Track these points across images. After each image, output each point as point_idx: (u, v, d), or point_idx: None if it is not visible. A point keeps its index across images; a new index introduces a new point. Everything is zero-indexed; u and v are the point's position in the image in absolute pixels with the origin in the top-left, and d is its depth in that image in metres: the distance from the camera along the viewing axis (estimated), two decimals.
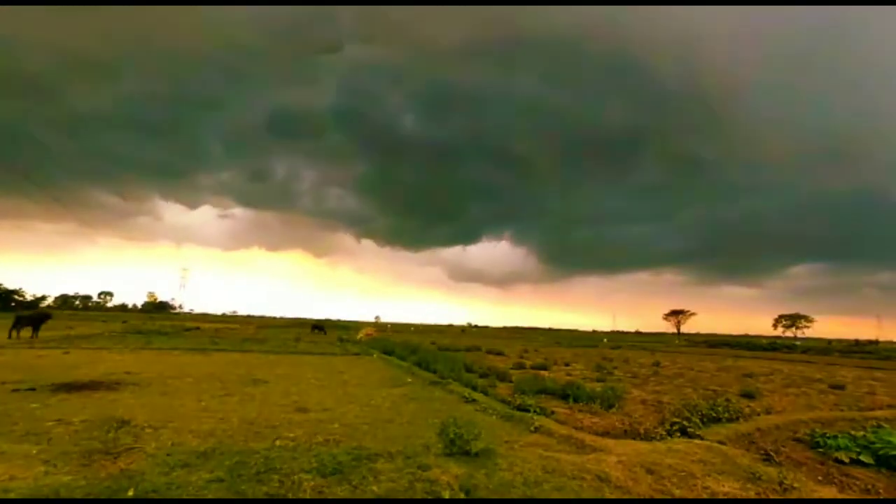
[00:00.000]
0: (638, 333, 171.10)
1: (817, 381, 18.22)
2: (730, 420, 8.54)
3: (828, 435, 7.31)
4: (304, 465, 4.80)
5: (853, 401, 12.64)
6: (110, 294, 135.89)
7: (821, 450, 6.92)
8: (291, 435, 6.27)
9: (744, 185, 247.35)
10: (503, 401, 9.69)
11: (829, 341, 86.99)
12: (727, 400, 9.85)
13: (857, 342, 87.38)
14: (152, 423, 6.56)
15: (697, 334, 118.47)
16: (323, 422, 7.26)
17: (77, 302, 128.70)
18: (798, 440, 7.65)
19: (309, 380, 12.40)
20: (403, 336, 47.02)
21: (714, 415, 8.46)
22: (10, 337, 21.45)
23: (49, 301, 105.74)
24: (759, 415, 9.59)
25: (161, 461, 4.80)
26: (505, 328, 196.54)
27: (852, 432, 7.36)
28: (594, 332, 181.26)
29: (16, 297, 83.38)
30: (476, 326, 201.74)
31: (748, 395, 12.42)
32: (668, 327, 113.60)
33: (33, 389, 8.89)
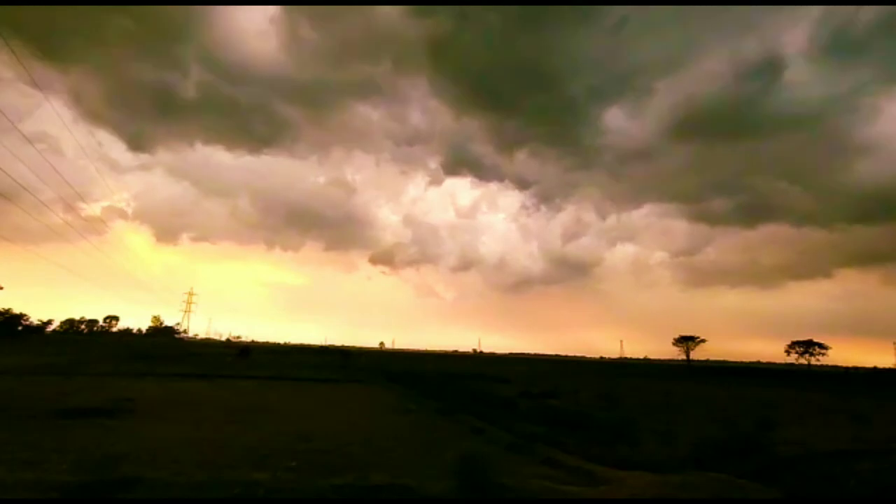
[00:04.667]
0: (647, 360, 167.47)
1: (837, 411, 17.56)
2: (747, 452, 8.21)
3: (854, 470, 6.98)
4: (307, 497, 4.65)
5: (877, 433, 12.13)
6: (116, 318, 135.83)
7: (846, 485, 6.59)
8: (294, 464, 6.11)
9: None
10: (510, 430, 9.42)
11: (847, 369, 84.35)
12: (744, 431, 9.50)
13: (875, 369, 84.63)
14: (152, 452, 6.43)
15: (707, 361, 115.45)
16: (326, 451, 7.07)
17: (83, 326, 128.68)
18: (821, 475, 7.30)
19: (313, 407, 12.17)
20: (409, 362, 46.34)
21: (730, 446, 8.15)
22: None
23: (55, 325, 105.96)
24: (778, 446, 9.21)
25: (159, 493, 4.68)
26: (512, 354, 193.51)
27: (876, 467, 7.03)
28: (602, 358, 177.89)
29: (22, 321, 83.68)
30: (483, 352, 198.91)
31: (766, 426, 11.97)
32: (678, 353, 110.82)
33: (34, 417, 8.80)
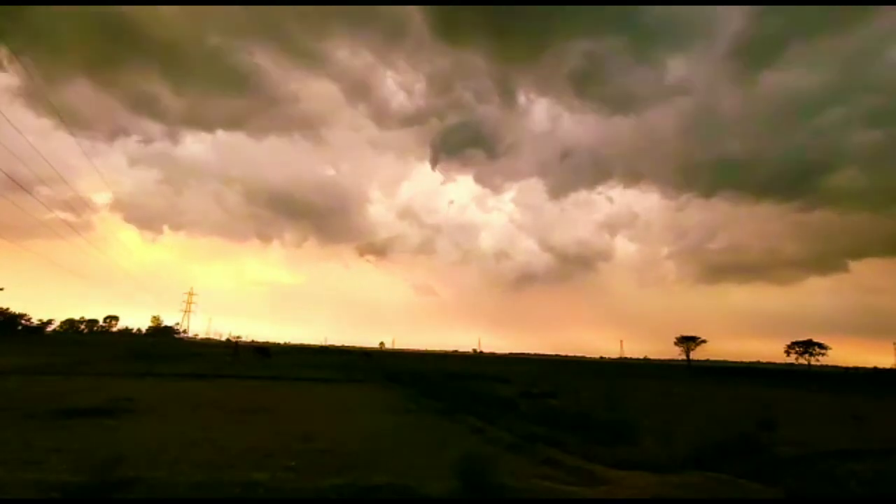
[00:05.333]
0: (647, 360, 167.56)
1: (837, 411, 17.56)
2: (747, 452, 8.20)
3: (854, 471, 6.98)
4: (306, 497, 4.64)
5: (877, 433, 12.12)
6: (115, 318, 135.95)
7: (846, 486, 6.58)
8: (293, 464, 6.10)
9: None
10: (511, 430, 9.41)
11: (847, 369, 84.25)
12: (744, 431, 9.48)
13: (875, 370, 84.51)
14: (151, 452, 6.43)
15: (707, 361, 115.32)
16: (326, 451, 7.06)
17: (83, 326, 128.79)
18: (820, 473, 7.29)
19: (312, 407, 12.17)
20: (410, 362, 46.33)
21: (730, 447, 8.13)
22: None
23: (55, 325, 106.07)
24: (778, 447, 9.20)
25: (159, 494, 4.67)
26: (512, 354, 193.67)
27: (876, 467, 7.03)
28: (602, 358, 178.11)
29: (22, 321, 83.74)
30: (483, 352, 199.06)
31: (766, 426, 11.95)
32: (678, 354, 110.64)
33: (34, 416, 8.79)
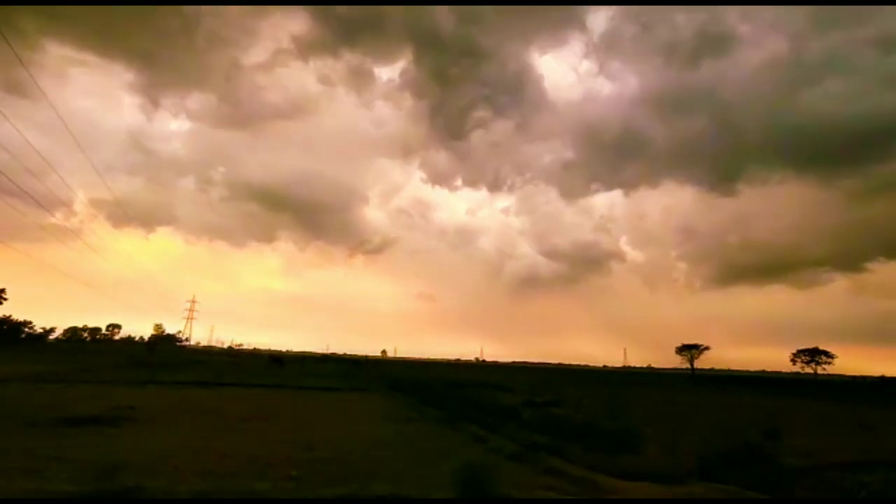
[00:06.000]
0: (651, 369, 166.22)
1: (844, 420, 17.33)
2: (753, 462, 8.08)
3: (864, 482, 6.86)
4: None
5: (886, 443, 11.94)
6: (118, 326, 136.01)
7: (856, 497, 6.47)
8: (295, 473, 6.06)
9: None
10: (513, 439, 9.32)
11: (854, 378, 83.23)
12: (749, 441, 9.36)
13: (883, 378, 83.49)
14: (152, 461, 6.39)
15: (712, 369, 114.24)
16: (328, 460, 7.01)
17: (85, 334, 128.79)
18: (828, 484, 7.18)
19: (314, 415, 12.10)
20: (412, 371, 46.08)
21: (736, 457, 8.02)
22: None
23: (58, 333, 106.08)
24: (784, 457, 9.07)
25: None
26: (514, 362, 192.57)
27: (889, 478, 6.91)
28: (605, 367, 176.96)
29: (26, 329, 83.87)
30: (485, 361, 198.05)
31: (772, 436, 11.79)
32: (681, 362, 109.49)
33: (35, 424, 8.77)
